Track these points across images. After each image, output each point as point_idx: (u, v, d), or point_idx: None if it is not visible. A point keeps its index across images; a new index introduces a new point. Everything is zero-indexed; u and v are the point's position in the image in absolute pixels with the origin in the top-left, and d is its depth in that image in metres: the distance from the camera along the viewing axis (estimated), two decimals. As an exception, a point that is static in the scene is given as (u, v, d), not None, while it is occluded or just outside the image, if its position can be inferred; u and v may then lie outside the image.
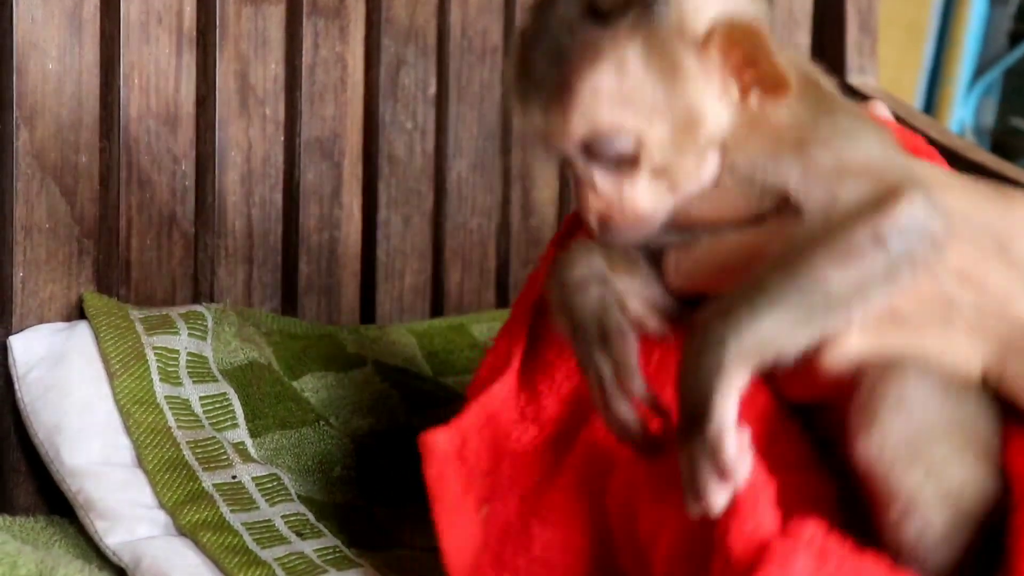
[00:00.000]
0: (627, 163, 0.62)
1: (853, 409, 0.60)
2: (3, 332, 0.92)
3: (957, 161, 1.24)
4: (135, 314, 0.94)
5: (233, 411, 0.91)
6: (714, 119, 0.62)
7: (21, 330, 0.92)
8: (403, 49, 1.11)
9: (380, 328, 1.08)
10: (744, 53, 0.61)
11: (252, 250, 1.04)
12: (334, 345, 1.01)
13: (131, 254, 0.98)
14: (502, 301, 1.19)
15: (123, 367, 0.89)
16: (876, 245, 0.58)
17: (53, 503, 0.92)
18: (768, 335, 0.58)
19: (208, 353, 0.94)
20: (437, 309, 1.15)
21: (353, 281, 1.10)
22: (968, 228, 0.62)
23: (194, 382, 0.91)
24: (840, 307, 0.59)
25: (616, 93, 0.61)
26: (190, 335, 0.93)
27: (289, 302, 1.06)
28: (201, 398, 0.91)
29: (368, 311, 1.11)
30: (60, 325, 0.93)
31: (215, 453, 0.86)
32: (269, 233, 1.05)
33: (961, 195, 0.63)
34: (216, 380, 0.92)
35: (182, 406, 0.90)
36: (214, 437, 0.88)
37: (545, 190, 1.21)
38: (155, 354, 0.91)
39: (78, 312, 0.95)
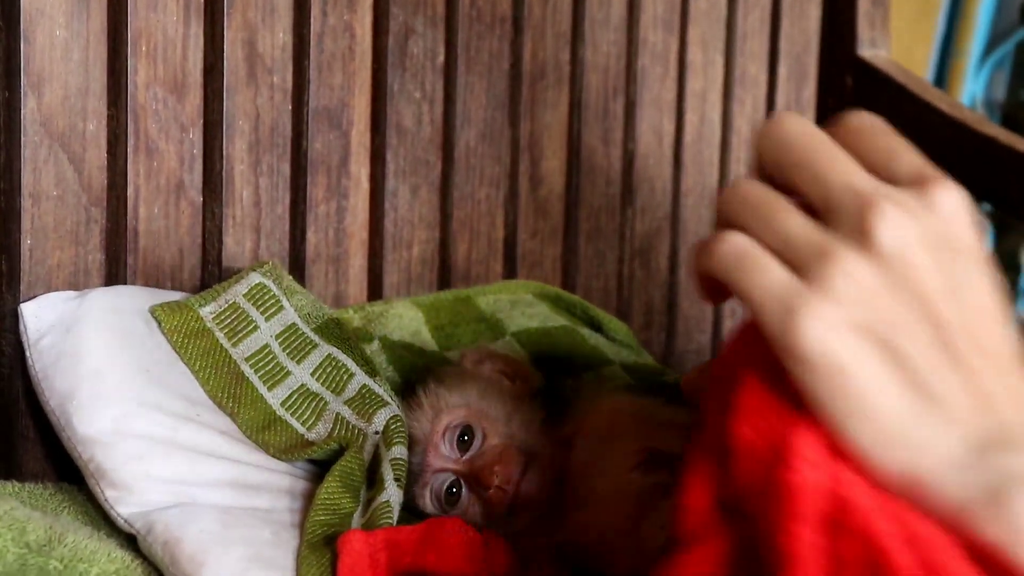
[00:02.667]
0: None
1: None
2: (11, 299, 0.92)
3: (968, 135, 1.23)
4: (205, 312, 0.93)
5: (345, 365, 0.92)
6: None
7: (29, 298, 0.92)
8: (412, 18, 1.10)
9: (386, 303, 1.08)
10: None
11: (260, 219, 1.04)
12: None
13: (139, 222, 0.98)
14: (509, 272, 1.19)
15: (234, 400, 0.89)
16: None
17: (62, 470, 0.92)
18: None
19: (293, 317, 0.94)
20: (444, 279, 1.15)
21: (361, 251, 1.10)
22: None
23: (298, 362, 0.92)
24: None
25: None
26: (267, 318, 0.93)
27: (296, 272, 1.06)
28: (313, 374, 0.92)
29: (375, 281, 1.11)
30: (71, 293, 0.93)
31: (352, 439, 0.87)
32: (277, 202, 1.05)
33: None
34: (316, 345, 0.93)
35: (301, 398, 0.91)
36: (339, 414, 0.89)
37: (553, 160, 1.21)
38: (251, 367, 0.91)
39: (85, 279, 0.95)
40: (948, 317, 0.53)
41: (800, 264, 0.54)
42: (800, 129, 0.57)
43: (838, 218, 0.54)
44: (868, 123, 0.58)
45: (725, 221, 0.57)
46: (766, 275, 0.54)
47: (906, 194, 0.54)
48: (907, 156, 0.56)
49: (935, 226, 0.54)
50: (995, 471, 0.51)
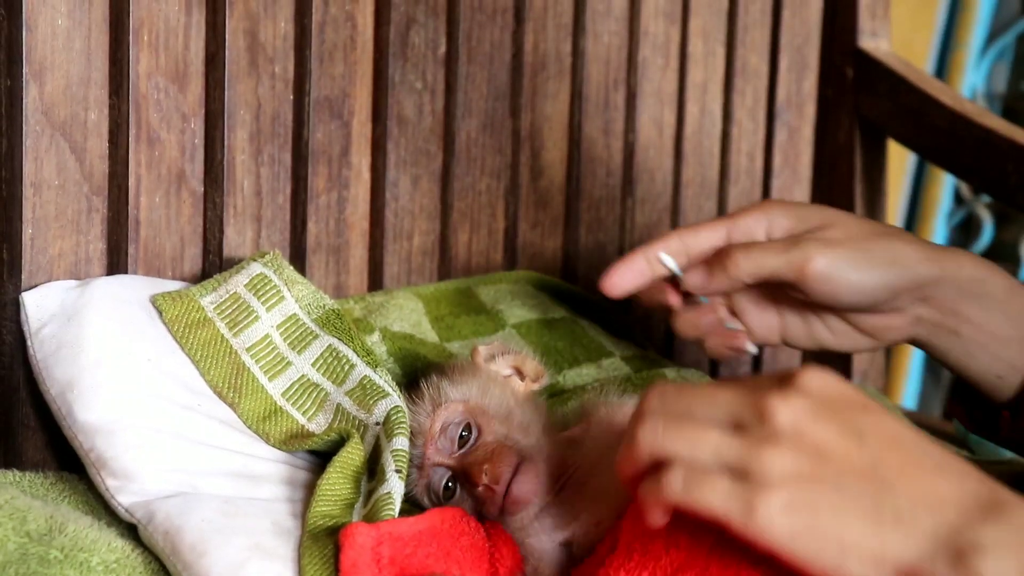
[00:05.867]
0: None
1: None
2: (12, 289, 0.93)
3: (968, 127, 1.23)
4: (206, 303, 0.93)
5: (346, 356, 0.92)
6: None
7: (30, 287, 0.92)
8: (413, 8, 1.10)
9: (386, 293, 1.08)
10: None
11: (260, 209, 1.04)
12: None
13: (140, 212, 0.98)
14: (510, 263, 1.19)
15: (234, 390, 0.90)
16: None
17: (63, 459, 0.92)
18: None
19: (294, 308, 0.94)
20: (445, 270, 1.15)
21: (361, 241, 1.10)
22: None
23: (299, 352, 0.92)
24: None
25: None
26: (268, 309, 0.93)
27: (297, 262, 1.06)
28: (313, 364, 0.92)
29: (376, 272, 1.11)
30: (72, 282, 0.93)
31: (353, 430, 0.87)
32: (278, 192, 1.05)
33: None
34: (317, 335, 0.93)
35: (301, 389, 0.91)
36: (340, 405, 0.90)
37: (554, 151, 1.21)
38: (252, 357, 0.91)
39: (86, 268, 0.95)
40: (859, 457, 0.67)
41: (736, 468, 0.67)
42: (671, 389, 0.72)
43: (742, 423, 0.68)
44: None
45: (650, 450, 0.70)
46: (716, 490, 0.67)
47: (781, 387, 0.68)
48: (764, 376, 0.71)
49: (814, 400, 0.68)
50: (957, 546, 0.64)
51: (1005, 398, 0.93)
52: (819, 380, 0.69)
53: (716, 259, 0.89)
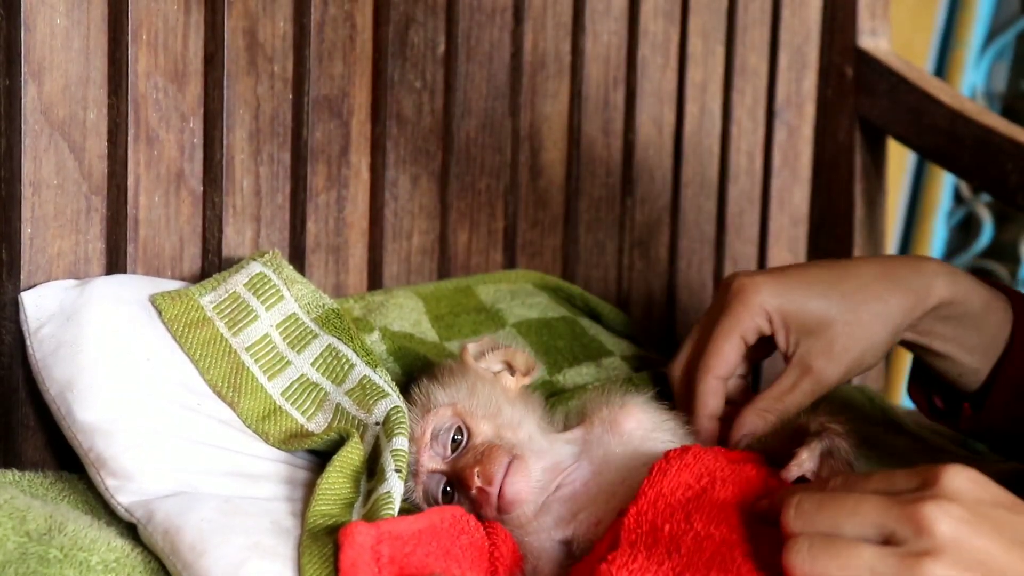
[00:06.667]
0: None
1: None
2: (12, 288, 0.92)
3: (968, 125, 1.23)
4: (205, 302, 0.93)
5: (346, 356, 0.92)
6: None
7: (29, 286, 0.92)
8: (412, 7, 1.10)
9: (386, 292, 1.08)
10: None
11: (260, 208, 1.04)
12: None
13: (139, 211, 0.97)
14: (509, 262, 1.19)
15: (234, 390, 0.90)
16: None
17: (62, 458, 0.92)
18: None
19: (294, 308, 0.94)
20: (444, 269, 1.15)
21: (361, 241, 1.10)
22: None
23: (298, 352, 0.92)
24: None
25: None
26: (268, 308, 0.93)
27: (296, 261, 1.06)
28: (313, 364, 0.92)
29: (375, 271, 1.11)
30: (71, 282, 0.93)
31: (352, 429, 0.87)
32: (277, 192, 1.05)
33: None
34: (317, 335, 0.93)
35: (301, 388, 0.91)
36: (339, 405, 0.90)
37: (553, 150, 1.21)
38: (251, 356, 0.91)
39: (85, 268, 0.95)
40: (1020, 569, 0.64)
41: None
42: (818, 495, 0.68)
43: (895, 536, 0.65)
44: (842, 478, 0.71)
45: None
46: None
47: (930, 493, 0.65)
48: (899, 474, 0.68)
49: (969, 506, 0.64)
50: None
51: (964, 392, 0.97)
52: (966, 481, 0.66)
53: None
